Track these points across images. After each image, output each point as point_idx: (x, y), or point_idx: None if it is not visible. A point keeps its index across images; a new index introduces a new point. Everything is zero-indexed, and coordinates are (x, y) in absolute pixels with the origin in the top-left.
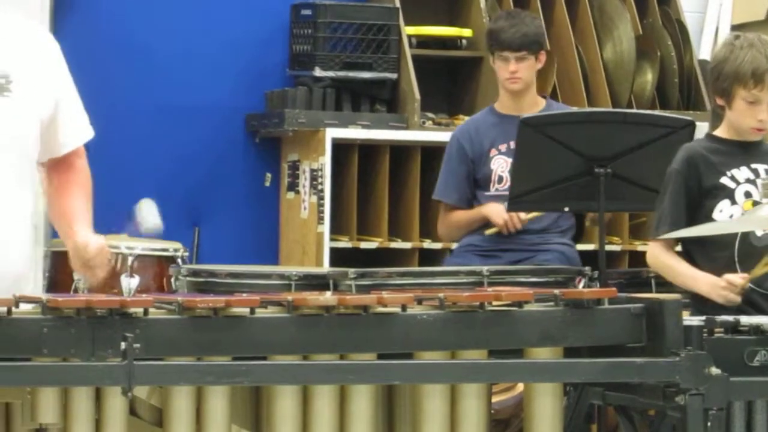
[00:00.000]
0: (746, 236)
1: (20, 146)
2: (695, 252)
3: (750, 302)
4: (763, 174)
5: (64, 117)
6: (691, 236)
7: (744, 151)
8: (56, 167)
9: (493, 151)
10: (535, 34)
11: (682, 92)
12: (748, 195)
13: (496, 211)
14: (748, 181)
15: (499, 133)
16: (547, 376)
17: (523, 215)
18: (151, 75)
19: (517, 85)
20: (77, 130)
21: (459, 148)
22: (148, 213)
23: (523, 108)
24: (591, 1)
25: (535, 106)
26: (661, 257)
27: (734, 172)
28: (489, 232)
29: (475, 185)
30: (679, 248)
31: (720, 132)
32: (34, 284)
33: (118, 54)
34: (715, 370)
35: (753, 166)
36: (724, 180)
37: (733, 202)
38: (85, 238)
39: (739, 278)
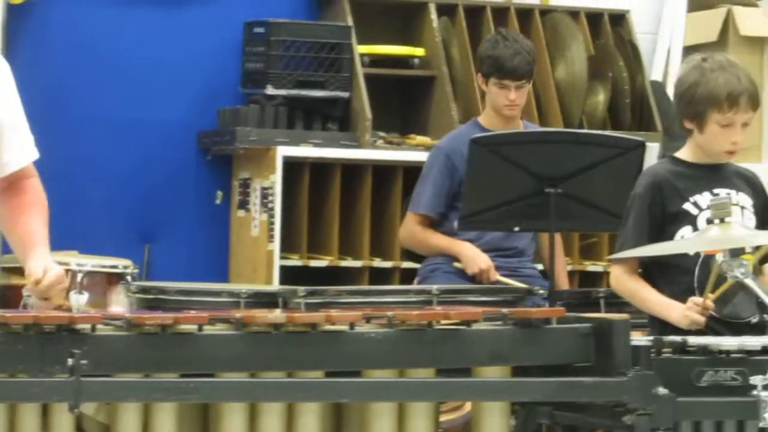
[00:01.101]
0: (707, 261)
1: None
2: (656, 276)
3: (708, 327)
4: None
5: (8, 137)
6: (652, 259)
7: (708, 175)
8: (8, 189)
9: None
10: (533, 60)
11: (634, 113)
12: (710, 221)
13: (472, 259)
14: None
15: None
16: (495, 395)
17: (497, 276)
18: (104, 91)
19: (514, 112)
20: (22, 150)
21: (448, 164)
22: None
23: (506, 126)
24: (544, 21)
25: (519, 125)
26: (625, 282)
27: (697, 197)
28: (458, 266)
29: (455, 198)
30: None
31: (684, 155)
32: None
33: (71, 69)
34: (662, 390)
35: (715, 191)
36: (687, 206)
37: (695, 228)
38: (41, 268)
39: (703, 299)
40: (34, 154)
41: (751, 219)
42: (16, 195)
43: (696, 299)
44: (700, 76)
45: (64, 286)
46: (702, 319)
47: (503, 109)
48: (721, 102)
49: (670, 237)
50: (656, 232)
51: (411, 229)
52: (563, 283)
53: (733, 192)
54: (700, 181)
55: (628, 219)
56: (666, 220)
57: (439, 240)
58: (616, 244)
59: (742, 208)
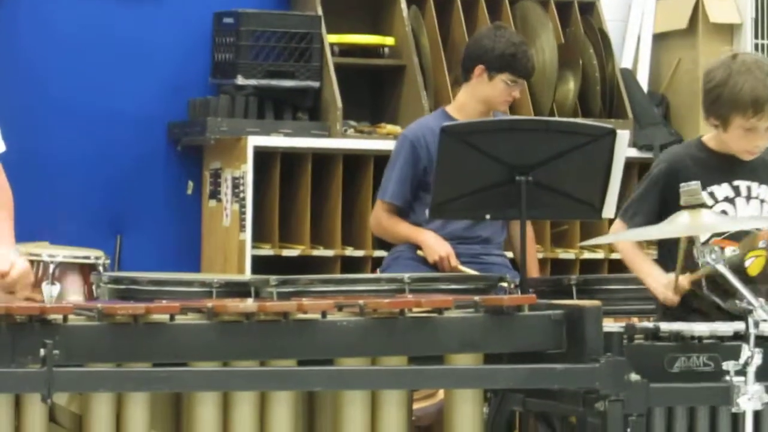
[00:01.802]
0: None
1: None
2: (665, 256)
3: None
4: (744, 191)
5: None
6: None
7: (729, 166)
8: None
9: None
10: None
11: (604, 100)
12: (724, 214)
13: (431, 247)
14: (726, 199)
15: None
16: (467, 382)
17: (456, 263)
18: (74, 82)
19: (506, 107)
20: None
21: (413, 152)
22: None
23: (483, 117)
24: (513, 9)
25: (489, 115)
26: (624, 243)
27: (714, 188)
28: (421, 253)
29: (422, 188)
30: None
31: (710, 141)
32: None
33: (40, 60)
34: (635, 377)
35: (735, 183)
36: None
37: None
38: (7, 262)
39: (682, 279)
40: (1, 148)
41: None
42: None
43: (672, 277)
44: (727, 77)
45: (30, 280)
46: (676, 299)
47: (501, 104)
48: (746, 108)
49: None
50: (666, 215)
51: (378, 217)
52: (534, 272)
53: (755, 184)
54: (720, 172)
55: (637, 191)
56: (678, 207)
57: (403, 228)
58: (623, 206)
59: (762, 201)
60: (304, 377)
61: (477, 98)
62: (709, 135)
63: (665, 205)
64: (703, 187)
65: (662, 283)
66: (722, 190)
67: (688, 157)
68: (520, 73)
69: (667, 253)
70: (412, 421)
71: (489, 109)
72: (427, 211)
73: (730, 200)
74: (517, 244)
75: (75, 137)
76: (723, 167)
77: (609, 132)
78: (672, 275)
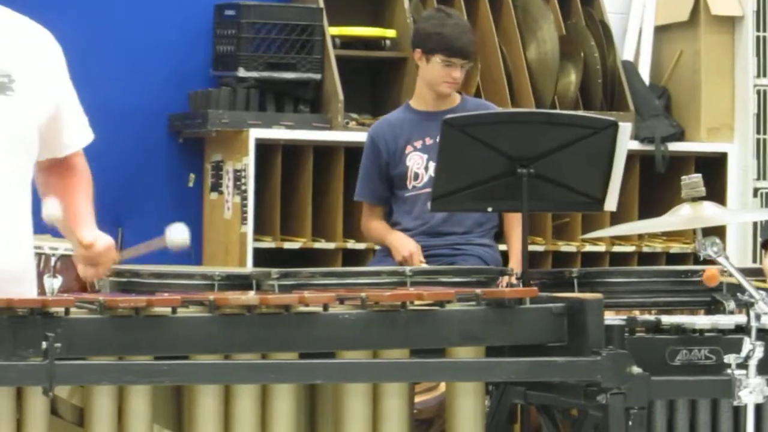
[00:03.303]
0: None
1: (22, 146)
2: None
3: None
4: None
5: (67, 119)
6: None
7: None
8: (57, 168)
9: (409, 148)
10: (475, 41)
11: (606, 93)
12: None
13: (396, 248)
14: None
15: (415, 130)
16: (468, 375)
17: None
18: (74, 73)
19: (453, 89)
20: (80, 132)
21: (373, 148)
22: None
23: (443, 104)
24: (515, 1)
25: (452, 102)
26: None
27: None
28: None
29: (392, 184)
30: None
31: None
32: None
33: None
34: (636, 370)
35: None
36: None
37: None
38: (92, 237)
39: None
40: (91, 136)
41: None
42: (66, 172)
43: None
44: None
45: (114, 256)
46: None
47: (443, 86)
48: None
49: None
50: None
51: (362, 222)
52: (515, 265)
53: None
54: None
55: None
56: None
57: (377, 231)
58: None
59: None
60: (306, 370)
61: (423, 83)
62: None
63: None
64: None
65: None
66: None
67: None
68: (451, 52)
69: None
70: (413, 413)
71: (435, 93)
72: (429, 204)
73: None
74: (510, 236)
75: None
76: None
77: (611, 124)
78: None
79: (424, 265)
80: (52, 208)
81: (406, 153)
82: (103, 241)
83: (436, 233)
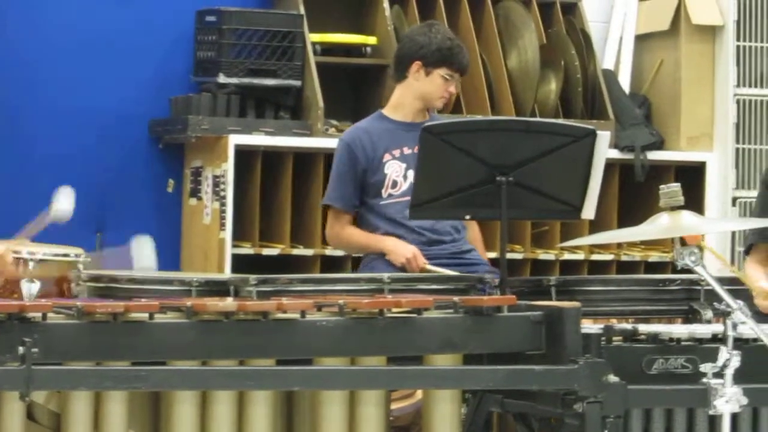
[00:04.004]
0: None
1: None
2: None
3: None
4: None
5: None
6: None
7: None
8: None
9: (387, 156)
10: None
11: (586, 101)
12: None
13: (397, 251)
14: None
15: (392, 139)
16: (446, 382)
17: (424, 263)
18: (55, 78)
19: (444, 104)
20: None
21: (350, 155)
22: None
23: (419, 117)
24: (496, 9)
25: (424, 116)
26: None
27: None
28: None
29: (365, 193)
30: None
31: None
32: None
33: (21, 56)
34: (613, 378)
35: None
36: None
37: None
38: None
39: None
40: None
41: None
42: None
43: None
44: None
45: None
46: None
47: (438, 100)
48: None
49: None
50: None
51: (331, 229)
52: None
53: None
54: None
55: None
56: None
57: (361, 238)
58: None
59: None
60: (283, 377)
61: (414, 95)
62: None
63: None
64: None
65: (761, 292)
66: None
67: None
68: (457, 67)
69: None
70: (389, 420)
71: (426, 105)
72: (407, 212)
73: None
74: (474, 241)
75: (56, 134)
76: None
77: (589, 133)
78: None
79: (431, 267)
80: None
81: (384, 161)
82: None
83: (427, 242)
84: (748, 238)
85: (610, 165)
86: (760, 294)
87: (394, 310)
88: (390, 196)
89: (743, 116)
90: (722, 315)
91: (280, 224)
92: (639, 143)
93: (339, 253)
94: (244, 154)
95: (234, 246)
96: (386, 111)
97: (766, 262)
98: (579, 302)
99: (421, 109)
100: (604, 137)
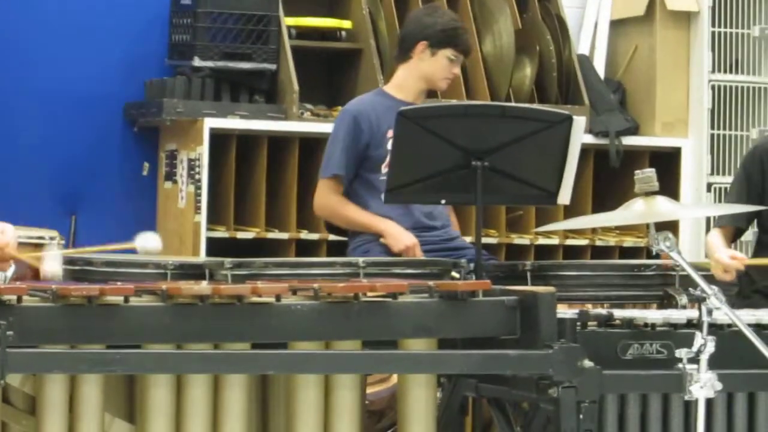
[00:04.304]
0: None
1: None
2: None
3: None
4: None
5: None
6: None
7: None
8: None
9: (390, 133)
10: None
11: (561, 87)
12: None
13: (396, 236)
14: None
15: (394, 117)
16: (420, 367)
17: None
18: (29, 61)
19: (447, 86)
20: None
21: (356, 126)
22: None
23: (418, 98)
24: None
25: (424, 98)
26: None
27: None
28: (384, 241)
29: (363, 167)
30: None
31: None
32: None
33: None
34: (588, 363)
35: None
36: None
37: None
38: None
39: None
40: None
41: None
42: None
43: (733, 254)
44: None
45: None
46: (726, 277)
47: (442, 81)
48: None
49: None
50: (759, 199)
51: (327, 199)
52: None
53: None
54: None
55: (732, 186)
56: (766, 189)
57: (360, 215)
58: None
59: None
60: (258, 360)
61: (418, 75)
62: None
63: (754, 190)
64: None
65: (722, 260)
66: None
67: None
68: (462, 48)
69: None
70: (365, 405)
71: (429, 86)
72: (382, 195)
73: None
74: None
75: (30, 117)
76: None
77: (565, 118)
78: (735, 253)
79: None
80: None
81: (387, 137)
82: (8, 232)
83: (423, 227)
84: (723, 218)
85: (584, 150)
86: (717, 264)
87: (369, 294)
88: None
89: (718, 102)
90: (697, 301)
91: (254, 208)
92: (614, 129)
93: (314, 236)
94: (219, 138)
95: (209, 229)
96: (388, 88)
97: (728, 241)
98: (554, 287)
99: (423, 90)
100: (580, 123)
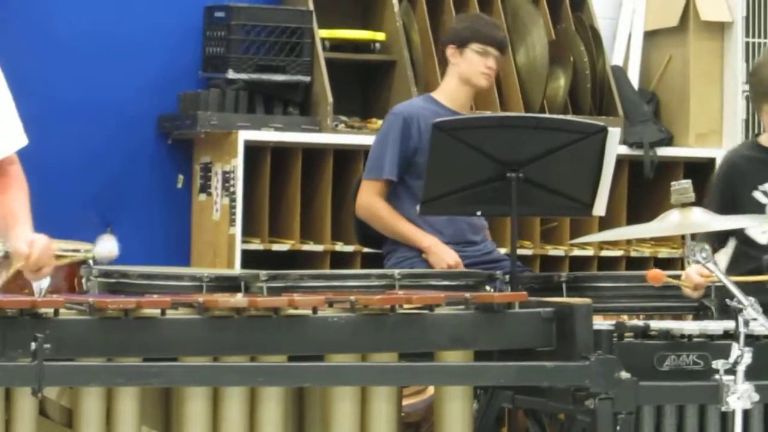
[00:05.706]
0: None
1: None
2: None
3: None
4: None
5: None
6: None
7: None
8: None
9: None
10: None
11: (594, 98)
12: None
13: (439, 255)
14: None
15: None
16: (457, 379)
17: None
18: (64, 74)
19: (489, 82)
20: (11, 137)
21: (405, 129)
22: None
23: (464, 107)
24: (504, 5)
25: (471, 108)
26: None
27: (767, 186)
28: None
29: (408, 172)
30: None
31: (764, 138)
32: None
33: (30, 51)
34: (624, 375)
35: None
36: (756, 194)
37: None
38: (28, 238)
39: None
40: (24, 141)
41: None
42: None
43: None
44: (757, 66)
45: (53, 251)
46: (693, 294)
47: (481, 77)
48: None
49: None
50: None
51: (372, 201)
52: None
53: None
54: None
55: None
56: (738, 207)
57: (404, 227)
58: None
59: None
60: (295, 373)
61: (457, 78)
62: (763, 135)
63: (726, 207)
64: (755, 186)
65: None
66: None
67: (740, 157)
68: (486, 39)
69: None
70: (401, 417)
71: (470, 86)
72: (418, 207)
73: None
74: None
75: (66, 131)
76: None
77: (600, 129)
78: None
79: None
80: (106, 249)
81: None
82: (39, 243)
83: (465, 242)
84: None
85: (619, 161)
86: (687, 280)
87: (406, 306)
88: None
89: (752, 112)
90: (734, 311)
91: (289, 220)
92: (648, 140)
93: (349, 248)
94: (253, 150)
95: (244, 242)
96: (436, 95)
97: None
98: (590, 298)
99: (469, 94)
100: (615, 134)
